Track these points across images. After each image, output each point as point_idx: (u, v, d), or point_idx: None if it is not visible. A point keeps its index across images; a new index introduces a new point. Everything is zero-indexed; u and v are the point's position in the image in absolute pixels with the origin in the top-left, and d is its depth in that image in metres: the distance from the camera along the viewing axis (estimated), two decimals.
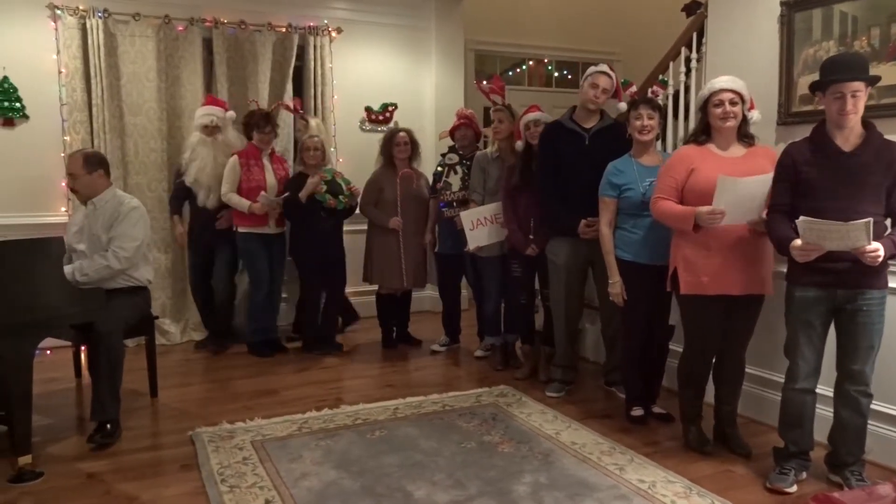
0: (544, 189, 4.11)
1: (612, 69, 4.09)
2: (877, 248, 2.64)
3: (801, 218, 2.71)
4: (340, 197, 4.92)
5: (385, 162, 5.13)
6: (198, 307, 5.36)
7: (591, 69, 4.05)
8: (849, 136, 2.81)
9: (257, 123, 5.00)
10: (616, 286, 3.68)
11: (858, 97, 2.74)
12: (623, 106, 4.07)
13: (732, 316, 3.28)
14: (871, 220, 2.61)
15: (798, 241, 2.76)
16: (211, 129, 5.00)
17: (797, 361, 2.95)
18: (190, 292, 5.41)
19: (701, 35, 4.29)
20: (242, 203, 4.85)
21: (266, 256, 5.03)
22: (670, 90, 4.58)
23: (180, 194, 5.11)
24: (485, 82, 5.03)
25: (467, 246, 4.63)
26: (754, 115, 3.33)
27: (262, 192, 4.87)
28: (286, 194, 4.89)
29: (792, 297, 2.95)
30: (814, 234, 2.70)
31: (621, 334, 3.89)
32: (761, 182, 3.02)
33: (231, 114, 5.18)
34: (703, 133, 3.28)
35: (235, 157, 4.96)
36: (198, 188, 4.97)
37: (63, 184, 4.98)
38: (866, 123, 2.84)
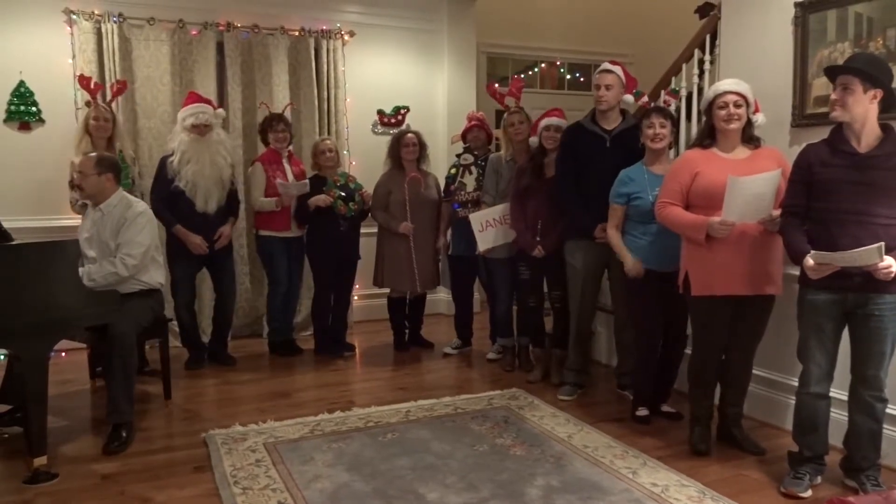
0: (563, 190, 4.11)
1: (616, 63, 4.08)
2: (889, 265, 2.64)
3: (813, 252, 2.74)
4: (351, 204, 4.93)
5: (393, 164, 5.14)
6: (185, 326, 4.89)
7: (597, 70, 4.08)
8: (863, 138, 2.79)
9: (270, 123, 5.01)
10: (629, 263, 3.64)
11: (850, 91, 2.73)
12: (630, 98, 4.07)
13: (742, 317, 3.28)
14: (883, 244, 2.61)
15: (811, 261, 2.75)
16: (202, 129, 4.64)
17: (809, 366, 2.93)
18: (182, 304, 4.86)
19: (714, 37, 4.28)
20: (271, 203, 4.87)
21: (286, 258, 5.04)
22: (683, 93, 4.56)
23: (171, 201, 4.62)
24: (497, 85, 5.01)
25: (477, 249, 4.63)
26: (759, 118, 3.32)
27: (279, 181, 4.86)
28: (305, 181, 4.91)
29: (804, 301, 2.94)
30: (826, 259, 2.71)
31: (634, 341, 3.87)
32: (770, 179, 3.01)
33: (221, 111, 5.01)
34: (709, 136, 3.28)
35: (259, 163, 4.98)
36: (194, 192, 4.61)
37: (70, 184, 5.01)
38: (886, 127, 2.82)
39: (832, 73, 2.83)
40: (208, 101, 4.88)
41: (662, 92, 4.65)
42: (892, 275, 2.66)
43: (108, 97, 4.97)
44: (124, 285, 3.70)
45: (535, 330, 4.71)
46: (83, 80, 4.88)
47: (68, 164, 4.72)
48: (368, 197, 5.05)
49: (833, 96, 2.77)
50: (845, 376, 2.96)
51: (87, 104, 4.87)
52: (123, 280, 3.71)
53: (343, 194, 4.91)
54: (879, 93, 2.75)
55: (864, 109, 2.75)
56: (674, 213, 3.26)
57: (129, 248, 3.72)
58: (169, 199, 4.62)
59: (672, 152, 4.13)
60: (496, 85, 5.03)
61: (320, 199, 4.86)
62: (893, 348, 2.85)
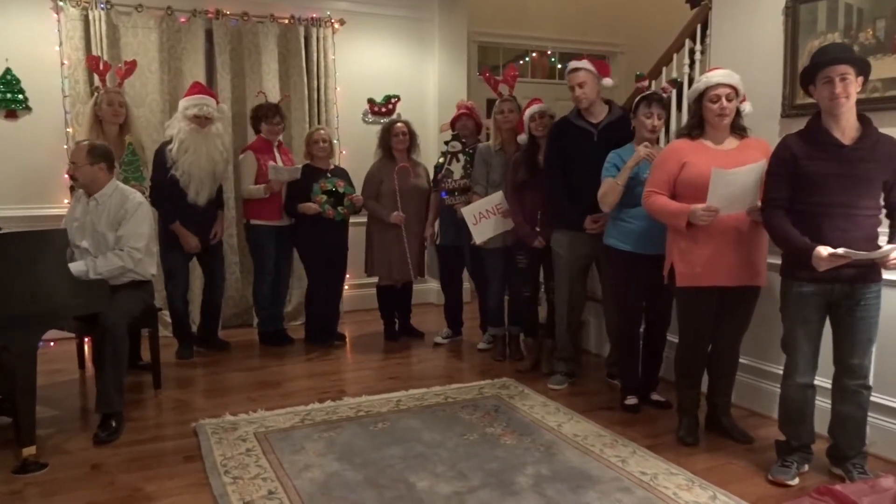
0: (551, 185, 4.11)
1: (581, 57, 4.05)
2: None
3: (843, 250, 2.66)
4: (339, 209, 4.91)
5: (384, 154, 5.13)
6: (178, 317, 4.87)
7: (566, 72, 4.05)
8: (845, 130, 2.80)
9: (266, 114, 4.97)
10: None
11: (848, 81, 2.72)
12: (609, 82, 4.03)
13: (727, 308, 3.29)
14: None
15: (824, 253, 2.70)
16: (203, 121, 4.60)
17: (795, 357, 2.95)
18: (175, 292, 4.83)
19: (705, 27, 4.27)
20: (260, 190, 4.84)
21: (275, 248, 5.03)
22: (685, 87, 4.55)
23: (168, 192, 4.57)
24: (488, 74, 4.99)
25: (472, 241, 4.62)
26: (746, 107, 3.33)
27: (270, 162, 4.83)
28: (298, 167, 4.91)
29: (788, 293, 2.95)
30: (846, 254, 2.69)
31: (619, 324, 3.90)
32: (754, 170, 3.01)
33: (223, 107, 4.97)
34: (697, 127, 3.27)
35: (250, 151, 4.94)
36: (187, 182, 4.58)
37: (66, 175, 4.98)
38: (862, 117, 2.82)
39: (819, 67, 2.77)
40: (212, 95, 4.85)
41: (663, 80, 4.64)
42: None
43: (116, 81, 4.85)
44: (119, 277, 3.70)
45: (529, 320, 4.71)
46: (92, 61, 4.82)
47: (61, 152, 4.67)
48: (358, 201, 5.02)
49: (838, 89, 2.71)
50: (828, 364, 2.96)
51: (96, 89, 4.79)
52: (128, 272, 3.72)
53: (331, 199, 4.90)
54: (862, 80, 2.77)
55: (854, 100, 2.77)
56: (659, 201, 3.26)
57: (133, 240, 3.71)
58: (169, 190, 4.58)
59: (662, 139, 4.14)
60: (488, 74, 4.99)
61: (307, 208, 4.85)
62: (876, 335, 2.87)
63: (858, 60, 2.76)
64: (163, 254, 4.75)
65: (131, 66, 4.90)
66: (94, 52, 5.10)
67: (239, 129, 5.58)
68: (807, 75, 2.84)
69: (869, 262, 2.73)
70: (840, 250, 2.68)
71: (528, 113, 4.34)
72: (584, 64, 3.97)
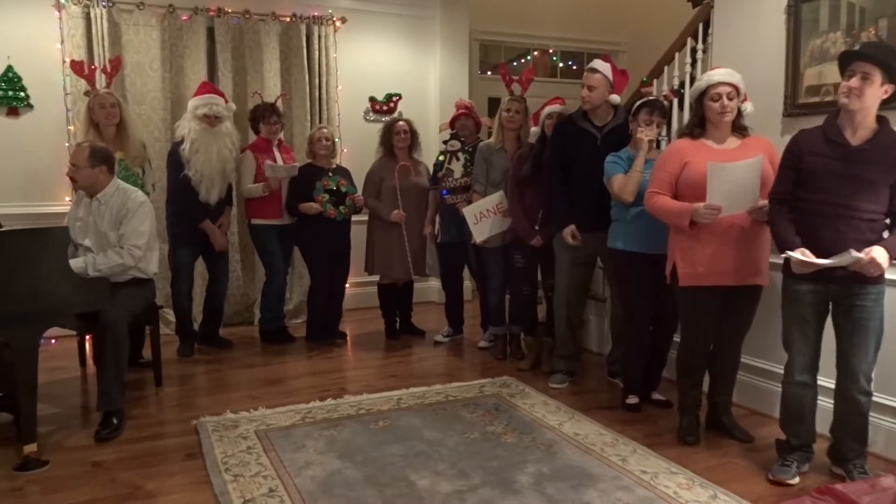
0: (550, 184, 4.11)
1: (607, 59, 4.02)
2: (873, 259, 2.63)
3: (797, 260, 2.71)
4: (341, 208, 4.92)
5: (385, 152, 5.14)
6: (183, 313, 4.90)
7: (587, 68, 4.02)
8: (858, 130, 2.76)
9: (263, 114, 4.98)
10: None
11: (868, 81, 2.66)
12: (616, 98, 4.00)
13: (730, 308, 3.29)
14: (855, 252, 2.64)
15: (797, 256, 2.73)
16: (213, 120, 4.64)
17: (793, 356, 2.95)
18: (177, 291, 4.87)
19: (707, 26, 4.27)
20: (259, 189, 4.85)
21: (279, 246, 5.04)
22: (676, 82, 4.54)
23: (188, 192, 4.64)
24: (504, 70, 4.95)
25: (473, 240, 4.62)
26: (748, 107, 3.33)
27: (267, 161, 4.84)
28: (295, 164, 4.94)
29: (787, 291, 2.95)
30: (811, 262, 2.71)
31: (626, 325, 3.89)
32: (751, 166, 2.99)
33: (232, 105, 4.97)
34: (699, 126, 3.26)
35: (249, 151, 4.95)
36: (200, 181, 4.64)
37: (66, 175, 4.98)
38: (880, 119, 2.78)
39: (851, 57, 2.73)
40: (220, 93, 4.87)
41: (665, 79, 4.64)
42: (880, 266, 2.65)
43: (104, 81, 4.83)
44: (120, 275, 3.70)
45: (528, 318, 4.71)
46: (75, 66, 4.78)
47: (63, 150, 4.66)
48: (360, 201, 5.03)
49: (851, 83, 2.67)
50: (831, 364, 2.96)
51: (87, 93, 4.78)
52: (128, 269, 3.72)
53: (333, 198, 4.90)
54: (891, 88, 2.71)
55: (873, 103, 2.71)
56: (661, 201, 3.26)
57: (134, 238, 3.71)
58: (188, 189, 4.63)
59: (664, 141, 4.14)
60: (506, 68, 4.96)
61: (308, 208, 4.86)
62: (879, 341, 2.84)
63: (888, 65, 2.66)
64: (171, 251, 4.80)
65: (116, 64, 4.88)
66: (96, 50, 5.10)
67: (240, 127, 5.56)
68: (840, 63, 2.78)
69: (840, 267, 2.69)
70: (821, 261, 2.69)
71: (546, 110, 4.33)
72: (605, 69, 3.92)
